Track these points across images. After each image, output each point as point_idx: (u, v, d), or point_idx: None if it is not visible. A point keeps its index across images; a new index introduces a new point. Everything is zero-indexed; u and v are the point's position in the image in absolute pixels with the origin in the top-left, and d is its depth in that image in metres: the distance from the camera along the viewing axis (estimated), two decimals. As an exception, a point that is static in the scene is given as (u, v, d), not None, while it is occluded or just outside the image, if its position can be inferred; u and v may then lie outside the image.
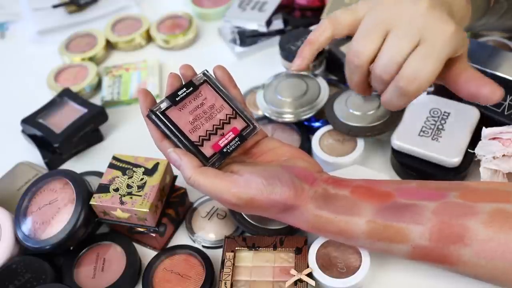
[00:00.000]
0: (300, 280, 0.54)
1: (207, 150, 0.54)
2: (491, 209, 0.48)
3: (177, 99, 0.55)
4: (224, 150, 0.55)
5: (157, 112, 0.54)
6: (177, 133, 0.54)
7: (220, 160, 0.55)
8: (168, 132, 0.54)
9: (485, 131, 0.59)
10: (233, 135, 0.56)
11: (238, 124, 0.57)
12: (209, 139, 0.55)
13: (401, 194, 0.52)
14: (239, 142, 0.56)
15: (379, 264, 0.57)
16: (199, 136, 0.55)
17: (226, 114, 0.57)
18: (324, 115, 0.69)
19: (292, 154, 0.57)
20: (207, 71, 0.58)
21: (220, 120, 0.56)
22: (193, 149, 0.54)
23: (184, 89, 0.55)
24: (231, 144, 0.55)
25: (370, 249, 0.55)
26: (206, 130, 0.55)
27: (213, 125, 0.56)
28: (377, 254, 0.56)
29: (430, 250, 0.49)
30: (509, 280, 0.47)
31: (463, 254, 0.48)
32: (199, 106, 0.56)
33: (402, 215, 0.50)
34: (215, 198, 0.53)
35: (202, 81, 0.57)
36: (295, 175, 0.53)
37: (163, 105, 0.54)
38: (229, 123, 0.56)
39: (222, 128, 0.56)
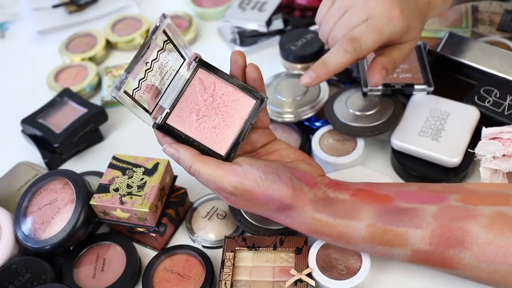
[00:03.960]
0: (300, 280, 0.54)
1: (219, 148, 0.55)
2: (491, 212, 0.48)
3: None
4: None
5: (159, 125, 0.54)
6: (185, 139, 0.54)
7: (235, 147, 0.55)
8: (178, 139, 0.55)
9: (485, 131, 0.59)
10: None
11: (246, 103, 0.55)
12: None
13: (401, 198, 0.52)
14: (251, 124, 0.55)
15: (379, 266, 0.57)
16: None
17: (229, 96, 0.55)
18: (324, 115, 0.69)
19: (296, 157, 0.57)
20: (199, 57, 0.56)
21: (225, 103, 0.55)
22: (207, 150, 0.54)
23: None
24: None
25: (370, 253, 0.55)
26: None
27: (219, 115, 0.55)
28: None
29: (430, 254, 0.49)
30: (510, 284, 0.47)
31: (463, 257, 0.48)
32: (201, 94, 0.55)
33: (402, 219, 0.50)
34: (213, 187, 0.53)
35: (194, 69, 0.55)
36: (296, 177, 0.53)
37: (161, 116, 0.54)
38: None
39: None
